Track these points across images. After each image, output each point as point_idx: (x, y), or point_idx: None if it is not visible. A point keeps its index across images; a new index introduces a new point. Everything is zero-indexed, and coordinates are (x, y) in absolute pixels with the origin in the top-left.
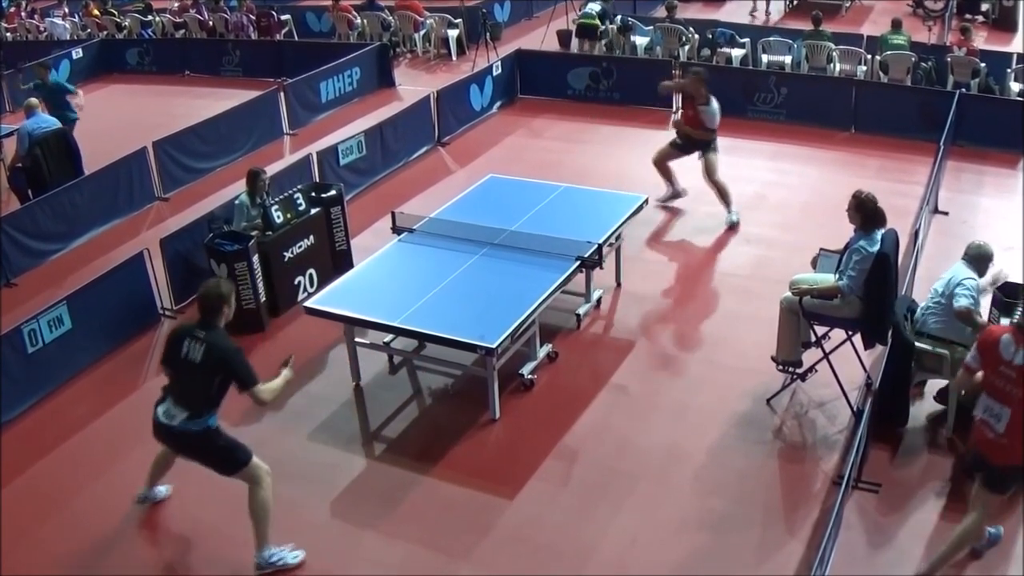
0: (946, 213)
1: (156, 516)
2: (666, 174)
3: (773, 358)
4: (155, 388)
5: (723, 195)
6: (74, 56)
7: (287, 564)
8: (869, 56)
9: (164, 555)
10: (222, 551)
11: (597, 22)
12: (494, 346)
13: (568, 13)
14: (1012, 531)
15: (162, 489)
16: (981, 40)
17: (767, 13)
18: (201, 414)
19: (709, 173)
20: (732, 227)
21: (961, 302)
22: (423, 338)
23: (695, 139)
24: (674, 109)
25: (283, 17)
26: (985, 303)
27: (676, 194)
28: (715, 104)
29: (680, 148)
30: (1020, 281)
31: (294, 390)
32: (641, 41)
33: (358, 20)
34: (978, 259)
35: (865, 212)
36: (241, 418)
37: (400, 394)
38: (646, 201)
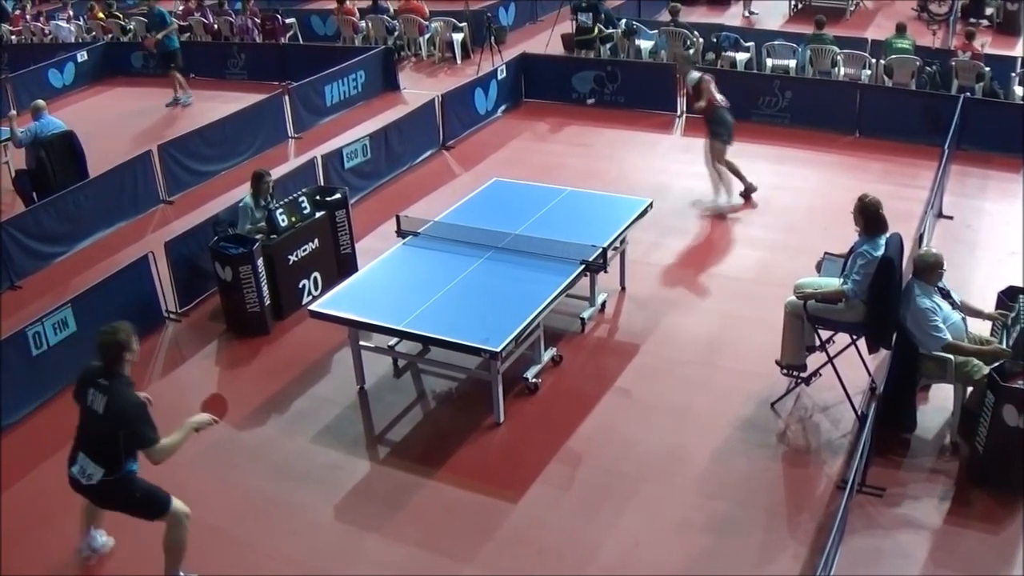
0: (950, 217)
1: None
2: (735, 171)
3: (777, 362)
4: (160, 391)
5: (716, 183)
6: (79, 59)
7: None
8: (873, 60)
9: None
10: (228, 553)
11: (594, 31)
12: (498, 350)
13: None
14: (1012, 533)
15: (100, 538)
16: (986, 44)
17: (750, 13)
18: (117, 469)
19: (712, 158)
20: (714, 213)
21: (941, 342)
22: (427, 341)
23: (705, 118)
24: (679, 112)
25: (288, 20)
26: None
27: (750, 187)
28: (693, 72)
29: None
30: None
31: (301, 392)
32: (646, 45)
33: (362, 23)
34: (925, 270)
35: (867, 216)
36: (244, 421)
37: (404, 397)
38: (651, 205)
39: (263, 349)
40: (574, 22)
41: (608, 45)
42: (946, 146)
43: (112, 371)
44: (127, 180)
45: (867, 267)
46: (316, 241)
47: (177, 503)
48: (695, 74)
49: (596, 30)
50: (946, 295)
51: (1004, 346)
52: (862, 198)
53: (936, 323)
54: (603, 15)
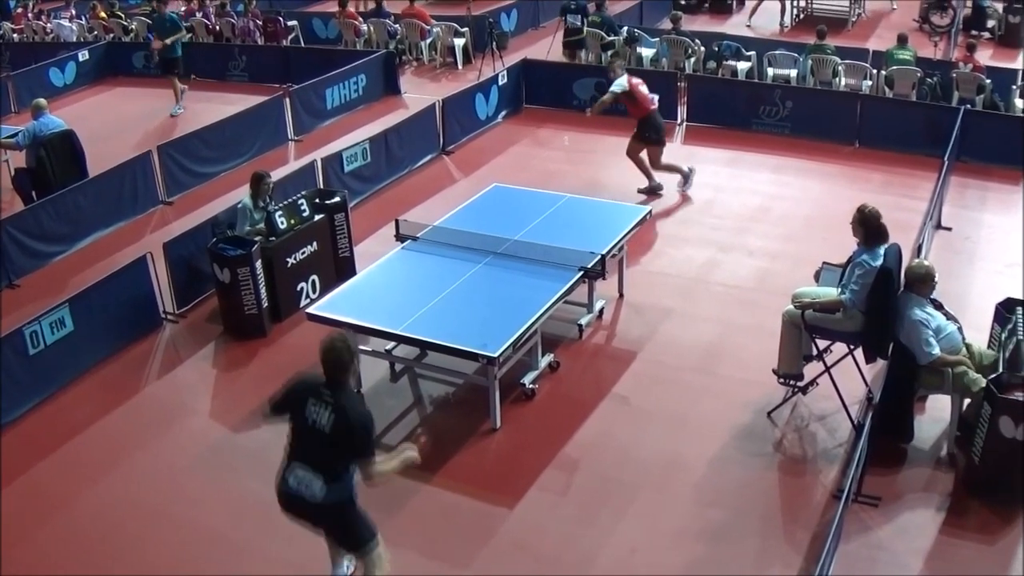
0: (949, 229)
1: (159, 520)
2: (642, 167)
3: (774, 371)
4: (156, 392)
5: (676, 170)
6: (80, 58)
7: None
8: (874, 71)
9: (165, 560)
10: (226, 557)
11: (583, 32)
12: (496, 355)
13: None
14: (1008, 544)
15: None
16: (986, 56)
17: (748, 25)
18: (341, 486)
19: (653, 161)
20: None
21: (930, 356)
22: (425, 346)
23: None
24: (679, 121)
25: (290, 23)
26: (983, 322)
27: (653, 189)
28: (622, 76)
29: (642, 140)
30: (1022, 297)
31: None
32: (647, 53)
33: (364, 27)
34: (916, 282)
35: (868, 227)
36: (242, 425)
37: (401, 402)
38: (650, 213)
39: (260, 351)
40: (563, 25)
41: (610, 52)
42: (946, 157)
43: (338, 383)
44: (127, 180)
45: (865, 277)
46: (315, 244)
47: (382, 544)
48: (624, 76)
49: (584, 30)
50: (938, 307)
51: (999, 358)
52: (861, 209)
53: (927, 337)
54: (589, 19)
